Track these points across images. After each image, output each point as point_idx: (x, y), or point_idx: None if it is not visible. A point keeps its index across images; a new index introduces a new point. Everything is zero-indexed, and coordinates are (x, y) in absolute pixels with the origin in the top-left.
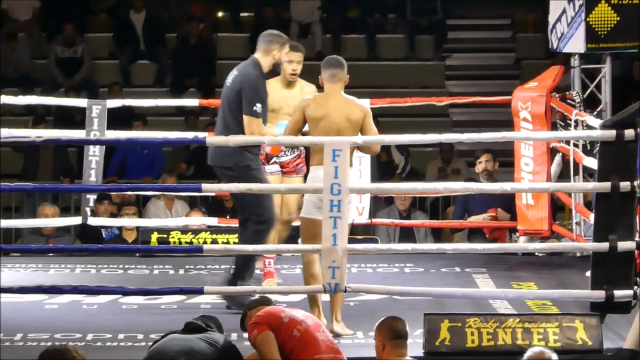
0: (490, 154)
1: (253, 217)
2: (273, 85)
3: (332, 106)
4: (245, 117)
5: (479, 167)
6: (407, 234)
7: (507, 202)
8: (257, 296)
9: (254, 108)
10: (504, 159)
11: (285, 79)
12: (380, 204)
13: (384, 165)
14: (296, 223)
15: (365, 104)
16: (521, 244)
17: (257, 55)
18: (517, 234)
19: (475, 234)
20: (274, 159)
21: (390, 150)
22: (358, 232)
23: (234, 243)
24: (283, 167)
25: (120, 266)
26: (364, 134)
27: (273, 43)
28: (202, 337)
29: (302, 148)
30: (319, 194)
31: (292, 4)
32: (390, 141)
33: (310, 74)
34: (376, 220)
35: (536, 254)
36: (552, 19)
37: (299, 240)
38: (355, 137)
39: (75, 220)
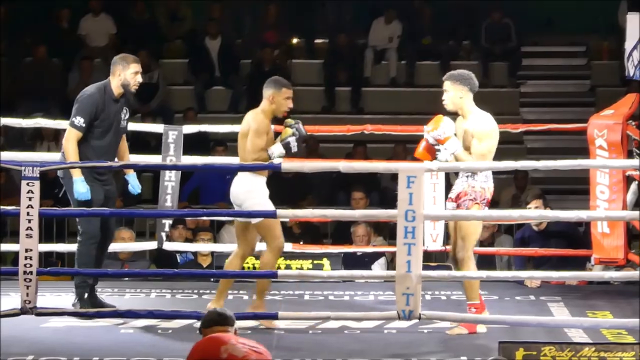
0: (541, 199)
1: (79, 231)
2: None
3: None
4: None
5: None
6: (487, 261)
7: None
8: (214, 312)
9: (73, 119)
10: (579, 187)
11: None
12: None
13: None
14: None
15: None
16: (596, 273)
17: (110, 77)
18: (593, 263)
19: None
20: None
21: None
22: (432, 259)
23: (308, 269)
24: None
25: (195, 291)
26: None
27: (116, 65)
28: None
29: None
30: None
31: (372, 31)
32: (465, 168)
33: (384, 101)
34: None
35: (611, 282)
36: (628, 46)
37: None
38: (431, 164)
39: (151, 245)
